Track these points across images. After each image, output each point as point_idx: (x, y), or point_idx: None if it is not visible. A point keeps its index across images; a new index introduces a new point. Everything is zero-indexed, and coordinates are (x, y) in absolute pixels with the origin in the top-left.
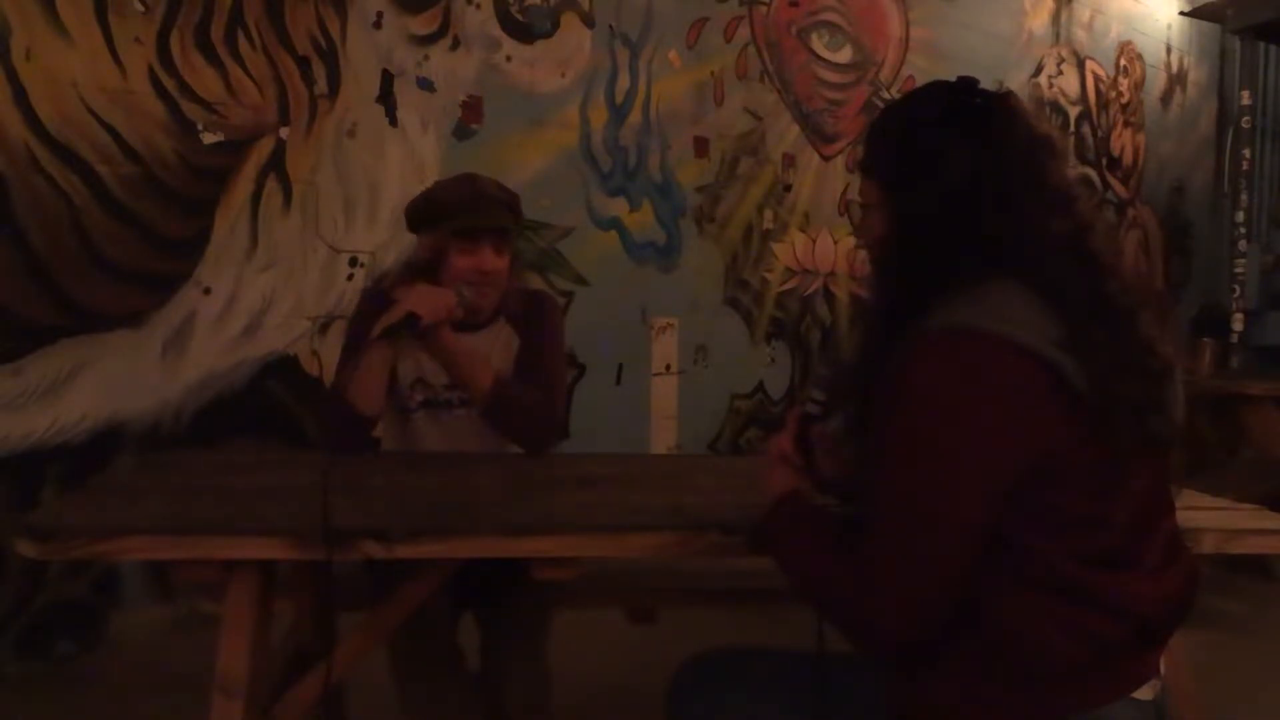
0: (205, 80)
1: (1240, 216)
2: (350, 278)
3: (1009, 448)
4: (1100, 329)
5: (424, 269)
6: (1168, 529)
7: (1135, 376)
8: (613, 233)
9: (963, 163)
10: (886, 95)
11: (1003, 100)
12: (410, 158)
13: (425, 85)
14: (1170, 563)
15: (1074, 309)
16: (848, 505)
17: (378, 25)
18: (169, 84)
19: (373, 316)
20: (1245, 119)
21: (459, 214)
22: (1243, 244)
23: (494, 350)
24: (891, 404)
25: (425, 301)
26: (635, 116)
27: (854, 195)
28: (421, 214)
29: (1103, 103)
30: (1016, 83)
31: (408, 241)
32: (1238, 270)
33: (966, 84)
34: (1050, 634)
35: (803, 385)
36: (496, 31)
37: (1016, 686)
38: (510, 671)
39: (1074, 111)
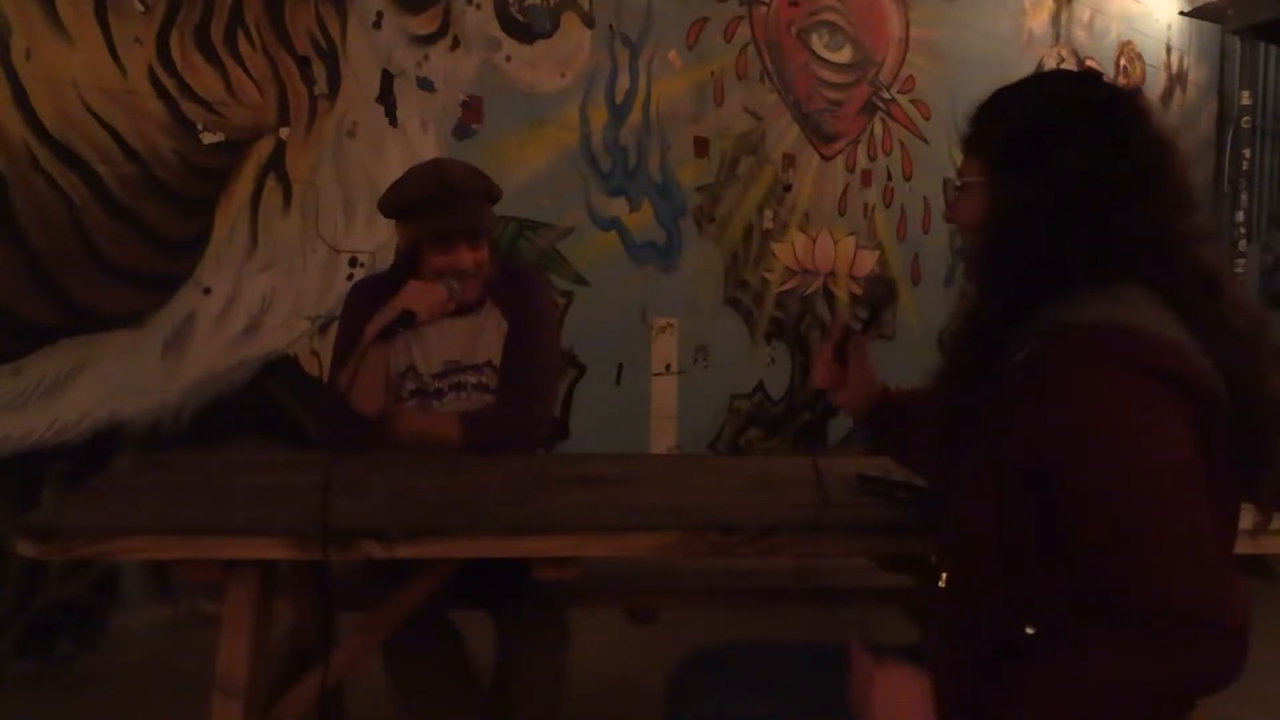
0: (205, 80)
1: (1240, 216)
2: (350, 278)
3: (1187, 440)
4: (1228, 342)
5: (408, 259)
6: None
7: (1263, 396)
8: (613, 233)
9: (1085, 152)
10: (886, 95)
11: (1132, 96)
12: (410, 158)
13: (425, 85)
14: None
15: (1198, 319)
16: (918, 493)
17: (378, 25)
18: (169, 84)
19: (364, 312)
20: (1245, 119)
21: (429, 215)
22: (1243, 244)
23: (484, 334)
24: (1034, 410)
25: (420, 298)
26: (635, 116)
27: (853, 195)
28: (393, 211)
29: None
30: None
31: None
32: (1238, 270)
33: (1093, 75)
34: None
35: (803, 385)
36: (496, 31)
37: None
38: (529, 686)
39: None
